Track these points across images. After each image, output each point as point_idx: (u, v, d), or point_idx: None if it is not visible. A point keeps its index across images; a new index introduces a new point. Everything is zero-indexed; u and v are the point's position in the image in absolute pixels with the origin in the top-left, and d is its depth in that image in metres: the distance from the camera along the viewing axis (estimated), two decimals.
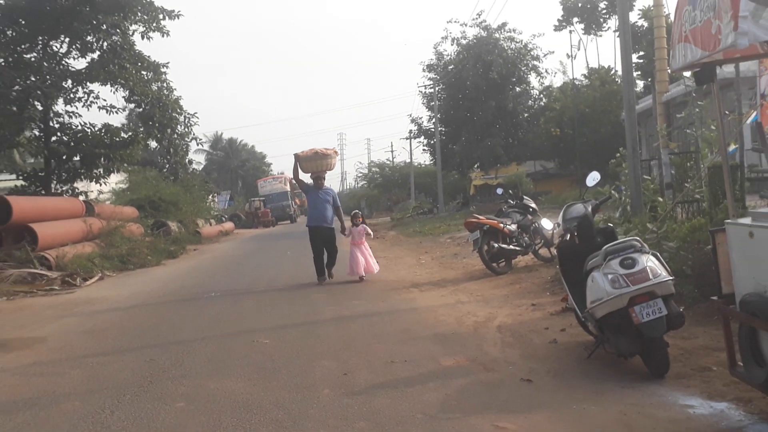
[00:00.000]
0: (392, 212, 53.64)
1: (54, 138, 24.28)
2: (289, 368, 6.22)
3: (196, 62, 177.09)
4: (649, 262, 5.24)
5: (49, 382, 6.23)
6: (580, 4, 46.37)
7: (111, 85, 24.30)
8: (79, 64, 24.15)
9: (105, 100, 24.74)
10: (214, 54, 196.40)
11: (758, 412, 4.24)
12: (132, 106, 25.56)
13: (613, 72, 41.31)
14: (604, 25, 46.84)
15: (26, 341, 8.36)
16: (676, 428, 4.14)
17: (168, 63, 25.55)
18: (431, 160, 49.04)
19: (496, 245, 11.86)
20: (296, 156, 12.61)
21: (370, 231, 12.96)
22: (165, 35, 24.24)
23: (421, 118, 46.37)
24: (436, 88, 42.96)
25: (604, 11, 45.82)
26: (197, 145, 31.83)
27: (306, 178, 12.93)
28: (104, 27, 23.22)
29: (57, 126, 24.43)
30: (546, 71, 42.51)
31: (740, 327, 4.22)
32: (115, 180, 31.36)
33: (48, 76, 23.08)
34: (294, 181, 13.16)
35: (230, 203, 66.24)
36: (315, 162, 12.48)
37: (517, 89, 41.51)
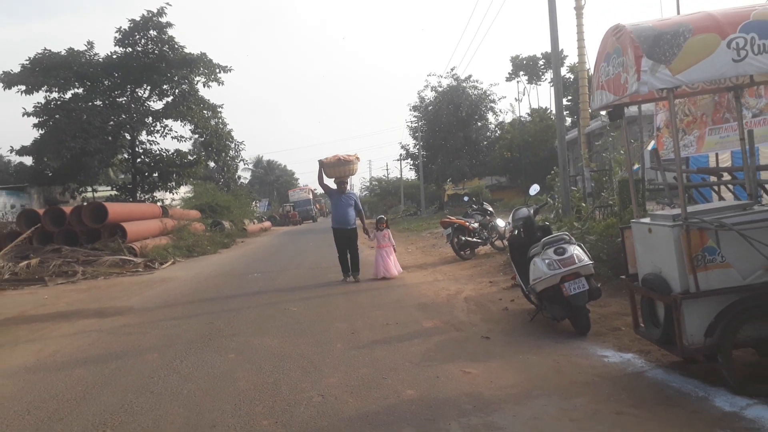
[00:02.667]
0: (387, 214, 53.41)
1: (139, 160, 24.35)
2: (311, 329, 6.21)
3: (245, 103, 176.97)
4: (576, 250, 5.25)
5: (134, 340, 6.23)
6: (524, 62, 46.50)
7: (181, 121, 24.35)
8: (157, 105, 24.30)
9: (176, 132, 24.99)
10: (257, 98, 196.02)
11: (655, 361, 4.25)
12: (196, 136, 25.58)
13: (548, 111, 41.23)
14: (543, 77, 46.90)
15: (118, 309, 8.36)
16: (595, 372, 4.14)
17: (222, 105, 25.66)
18: (416, 175, 49.16)
19: (463, 238, 11.90)
20: (320, 162, 10.22)
21: (393, 242, 10.18)
22: (220, 84, 24.35)
23: (408, 145, 46.48)
24: (419, 123, 43.02)
25: (542, 67, 45.88)
26: (244, 165, 32.14)
27: (330, 183, 10.49)
28: (176, 78, 23.33)
29: (141, 151, 24.51)
30: (500, 111, 42.98)
31: (642, 298, 4.22)
32: (184, 190, 31.30)
33: (134, 115, 23.14)
34: (319, 186, 10.68)
35: (268, 207, 65.96)
36: (338, 168, 10.07)
37: (479, 124, 41.75)
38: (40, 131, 21.71)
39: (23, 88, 21.68)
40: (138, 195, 24.16)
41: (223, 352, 5.41)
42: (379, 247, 10.02)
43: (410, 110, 43.89)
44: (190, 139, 26.05)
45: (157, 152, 24.68)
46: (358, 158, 10.31)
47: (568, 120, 37.20)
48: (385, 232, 10.12)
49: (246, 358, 5.17)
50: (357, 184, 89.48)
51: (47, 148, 20.84)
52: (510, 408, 3.57)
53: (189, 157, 25.42)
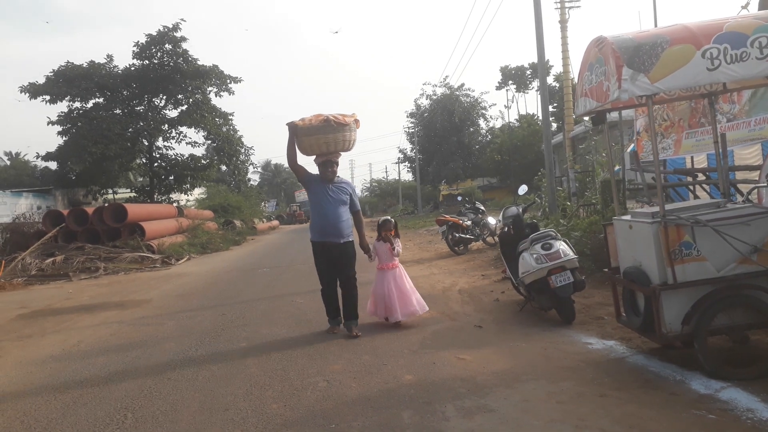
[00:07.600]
0: (386, 213, 53.52)
1: (156, 164, 24.38)
2: (316, 319, 6.19)
3: (254, 111, 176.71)
4: (561, 245, 5.25)
5: (153, 330, 6.23)
6: (513, 72, 46.54)
7: (194, 128, 24.35)
8: (172, 113, 24.33)
9: (190, 138, 25.05)
10: (265, 106, 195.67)
11: (635, 347, 4.25)
12: (209, 142, 25.57)
13: (535, 117, 41.33)
14: (530, 85, 47.00)
15: (137, 302, 8.35)
16: (580, 358, 4.13)
17: (233, 113, 25.72)
18: (413, 177, 49.24)
19: (457, 235, 11.90)
20: (291, 126, 5.23)
21: (399, 248, 5.69)
22: (231, 94, 24.40)
23: (405, 149, 46.67)
24: (416, 129, 43.04)
25: (530, 76, 45.97)
26: (253, 168, 31.90)
27: (310, 163, 5.75)
28: (190, 89, 23.34)
29: (158, 156, 24.55)
30: (490, 117, 43.18)
31: (623, 289, 4.22)
32: (198, 192, 31.34)
33: (151, 122, 23.16)
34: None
35: (276, 207, 66.05)
36: (324, 137, 5.14)
37: (471, 129, 41.85)
38: (64, 138, 21.73)
39: (48, 98, 21.69)
40: (155, 196, 24.16)
41: (235, 341, 5.41)
42: (380, 268, 5.73)
43: (407, 117, 44.03)
44: (203, 144, 26.05)
45: (173, 157, 24.72)
46: (357, 121, 5.37)
47: (554, 125, 37.19)
48: (387, 244, 5.69)
49: (256, 346, 5.17)
50: (358, 185, 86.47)
51: (70, 154, 20.85)
52: (501, 391, 3.57)
53: (202, 162, 25.44)
